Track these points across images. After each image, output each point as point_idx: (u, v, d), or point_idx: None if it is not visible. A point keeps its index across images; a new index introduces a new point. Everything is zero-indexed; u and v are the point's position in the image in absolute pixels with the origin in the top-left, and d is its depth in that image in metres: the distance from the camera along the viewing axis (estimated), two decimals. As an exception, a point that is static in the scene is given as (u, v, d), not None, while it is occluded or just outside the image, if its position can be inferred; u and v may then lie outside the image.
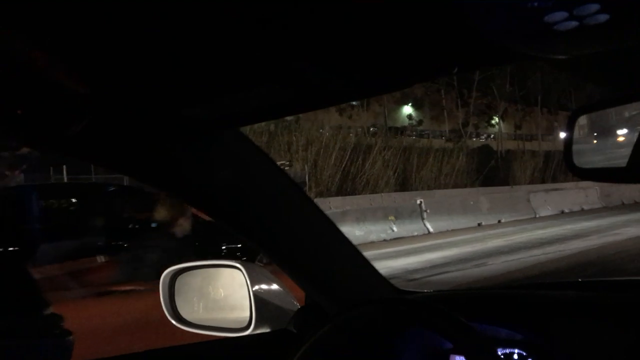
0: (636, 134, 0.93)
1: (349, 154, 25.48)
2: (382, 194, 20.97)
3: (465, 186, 30.68)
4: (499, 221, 17.07)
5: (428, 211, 14.46)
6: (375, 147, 27.29)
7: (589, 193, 21.92)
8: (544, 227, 14.98)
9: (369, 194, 25.32)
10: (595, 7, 0.48)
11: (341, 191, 23.51)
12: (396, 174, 27.92)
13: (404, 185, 28.55)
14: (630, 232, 12.69)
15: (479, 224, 16.37)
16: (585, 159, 1.06)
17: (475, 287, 2.05)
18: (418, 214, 14.63)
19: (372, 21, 0.59)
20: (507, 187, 29.88)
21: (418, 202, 14.70)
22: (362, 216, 13.78)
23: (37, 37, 0.62)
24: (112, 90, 0.79)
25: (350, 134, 25.42)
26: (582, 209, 20.41)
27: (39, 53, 0.65)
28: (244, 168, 1.13)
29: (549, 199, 19.96)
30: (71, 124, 0.84)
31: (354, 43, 0.65)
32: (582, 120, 1.08)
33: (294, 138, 22.04)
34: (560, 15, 0.50)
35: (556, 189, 23.91)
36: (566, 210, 19.69)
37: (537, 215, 18.42)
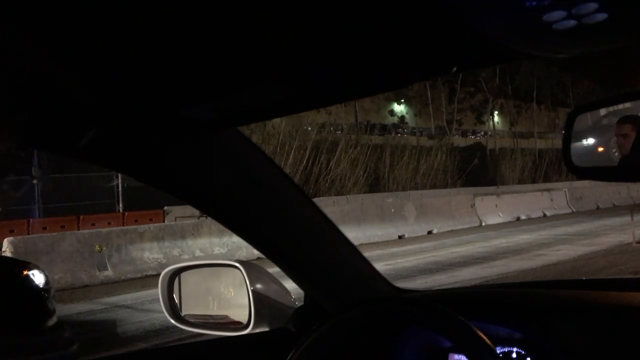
0: None
1: (308, 152, 24.55)
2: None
3: (445, 186, 29.54)
4: (429, 232, 14.92)
5: (328, 222, 12.69)
6: (340, 145, 26.30)
7: (556, 196, 19.84)
8: (469, 241, 12.71)
9: (334, 195, 24.39)
10: (593, 6, 0.49)
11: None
12: (366, 174, 26.94)
13: (375, 185, 27.55)
14: (561, 252, 10.36)
15: (400, 237, 14.16)
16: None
17: (474, 286, 2.05)
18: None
19: (371, 20, 0.60)
20: (492, 188, 28.59)
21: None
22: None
23: (36, 38, 0.62)
24: (112, 90, 0.79)
25: (309, 130, 24.23)
26: (544, 215, 18.47)
27: (42, 55, 0.64)
28: (244, 168, 1.15)
29: (502, 204, 17.71)
30: (77, 130, 0.84)
31: (352, 41, 0.66)
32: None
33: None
34: (558, 14, 0.51)
35: (548, 189, 22.22)
36: (523, 217, 17.71)
37: (484, 224, 16.44)
